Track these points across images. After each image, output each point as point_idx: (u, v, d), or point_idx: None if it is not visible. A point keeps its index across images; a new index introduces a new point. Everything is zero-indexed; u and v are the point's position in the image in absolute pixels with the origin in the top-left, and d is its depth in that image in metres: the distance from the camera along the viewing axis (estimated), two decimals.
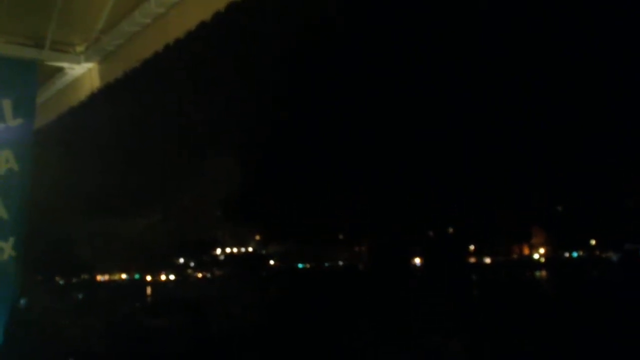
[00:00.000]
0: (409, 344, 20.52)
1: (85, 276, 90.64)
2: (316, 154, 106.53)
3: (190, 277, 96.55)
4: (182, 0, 4.18)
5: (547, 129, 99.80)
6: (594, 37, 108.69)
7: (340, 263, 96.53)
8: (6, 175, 4.47)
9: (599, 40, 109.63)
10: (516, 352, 19.99)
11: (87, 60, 5.12)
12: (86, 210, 77.82)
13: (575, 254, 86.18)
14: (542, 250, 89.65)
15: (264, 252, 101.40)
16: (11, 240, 4.46)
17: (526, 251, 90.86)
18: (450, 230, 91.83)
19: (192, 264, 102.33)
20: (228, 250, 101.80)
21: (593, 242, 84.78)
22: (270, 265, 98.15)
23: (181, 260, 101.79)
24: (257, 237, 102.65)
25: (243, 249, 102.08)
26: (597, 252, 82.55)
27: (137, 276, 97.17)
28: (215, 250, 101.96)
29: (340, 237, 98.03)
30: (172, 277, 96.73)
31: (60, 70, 5.28)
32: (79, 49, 5.11)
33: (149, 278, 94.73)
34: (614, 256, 76.49)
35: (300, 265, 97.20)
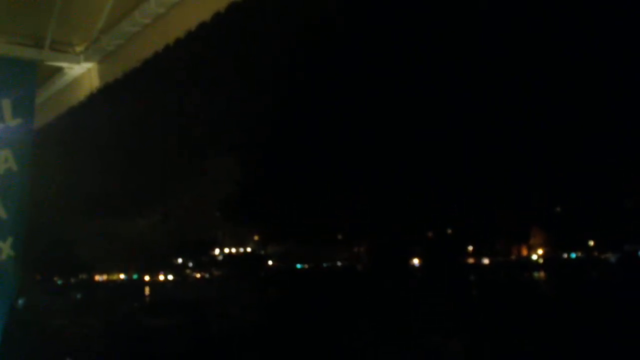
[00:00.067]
0: (409, 344, 20.53)
1: (83, 276, 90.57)
2: (316, 154, 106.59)
3: (188, 278, 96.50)
4: (182, 1, 4.18)
5: (546, 129, 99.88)
6: (594, 37, 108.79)
7: (339, 263, 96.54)
8: (5, 175, 4.47)
9: (599, 40, 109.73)
10: (516, 352, 20.01)
11: (87, 60, 5.12)
12: (85, 210, 77.81)
13: (573, 255, 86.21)
14: (540, 251, 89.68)
15: (262, 252, 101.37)
16: (10, 240, 4.45)
17: (525, 252, 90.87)
18: (449, 231, 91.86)
19: (190, 264, 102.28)
20: (227, 250, 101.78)
21: (592, 243, 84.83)
22: (269, 265, 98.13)
23: (180, 260, 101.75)
24: (256, 238, 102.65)
25: (242, 249, 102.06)
26: (596, 253, 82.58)
27: (135, 276, 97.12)
28: (213, 250, 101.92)
29: (340, 237, 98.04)
30: (170, 277, 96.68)
31: (59, 70, 5.28)
32: (79, 49, 5.11)
33: (147, 278, 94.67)
34: (612, 257, 76.51)
35: (299, 266, 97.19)
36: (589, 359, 19.26)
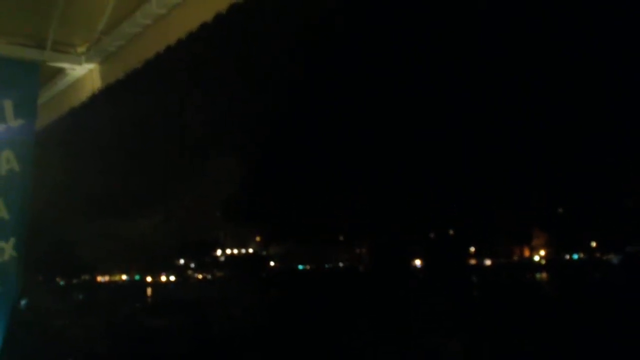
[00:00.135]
0: (409, 344, 20.52)
1: (85, 277, 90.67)
2: (317, 154, 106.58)
3: (190, 279, 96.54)
4: (184, 1, 4.19)
5: (547, 130, 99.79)
6: (594, 37, 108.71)
7: (341, 264, 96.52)
8: (7, 176, 4.48)
9: (599, 40, 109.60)
10: (516, 352, 19.99)
11: (88, 61, 5.14)
12: (87, 211, 77.87)
13: (575, 256, 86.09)
14: (542, 252, 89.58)
15: (264, 253, 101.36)
16: (12, 240, 4.46)
17: (527, 253, 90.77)
18: (451, 231, 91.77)
19: (192, 265, 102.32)
20: (228, 251, 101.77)
21: (594, 244, 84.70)
22: (270, 266, 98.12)
23: (181, 261, 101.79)
24: (258, 239, 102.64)
25: (243, 250, 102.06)
26: (598, 254, 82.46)
27: (137, 277, 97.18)
28: (215, 251, 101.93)
29: (341, 238, 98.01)
30: (172, 278, 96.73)
31: (61, 71, 5.30)
32: (80, 49, 5.12)
33: (149, 279, 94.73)
34: (614, 258, 76.38)
35: (300, 267, 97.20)
36: None
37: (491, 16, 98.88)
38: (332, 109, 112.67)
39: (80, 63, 5.16)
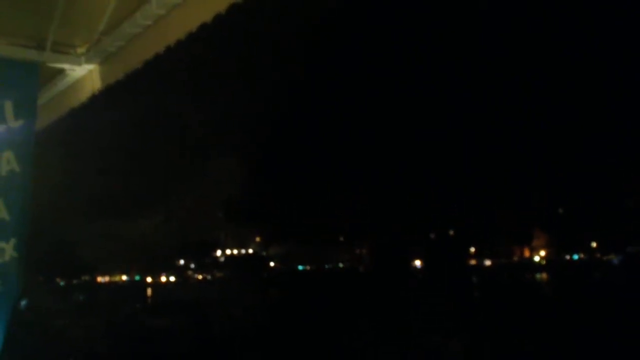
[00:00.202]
0: (410, 344, 20.53)
1: (86, 277, 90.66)
2: (317, 155, 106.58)
3: (190, 279, 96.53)
4: (183, 2, 4.20)
5: (548, 130, 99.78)
6: (594, 37, 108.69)
7: (341, 265, 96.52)
8: (7, 177, 4.48)
9: (599, 40, 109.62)
10: (517, 352, 19.99)
11: (88, 61, 5.14)
12: (87, 212, 77.88)
13: (576, 257, 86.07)
14: (543, 253, 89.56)
15: (264, 253, 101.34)
16: (12, 241, 4.46)
17: (527, 253, 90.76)
18: (451, 232, 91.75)
19: (192, 266, 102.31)
20: (228, 252, 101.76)
21: (594, 244, 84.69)
22: (270, 267, 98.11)
23: (182, 261, 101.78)
24: (258, 239, 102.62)
25: (243, 251, 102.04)
26: (599, 255, 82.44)
27: (137, 278, 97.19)
28: (215, 251, 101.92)
29: (341, 239, 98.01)
30: (172, 278, 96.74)
31: (61, 71, 5.30)
32: (80, 50, 5.13)
33: (149, 280, 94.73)
34: (615, 258, 76.36)
35: (300, 267, 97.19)
36: None
37: (492, 16, 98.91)
38: (333, 109, 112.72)
39: (80, 64, 5.16)
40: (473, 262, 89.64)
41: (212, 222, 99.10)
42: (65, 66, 5.19)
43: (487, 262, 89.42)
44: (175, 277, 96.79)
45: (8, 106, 4.50)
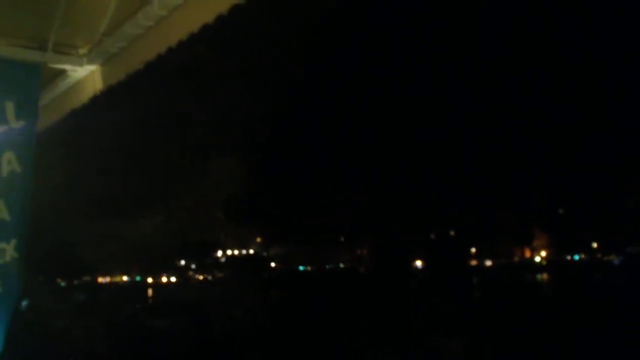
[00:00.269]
0: (410, 344, 20.52)
1: (86, 278, 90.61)
2: (318, 155, 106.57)
3: (191, 279, 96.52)
4: (185, 3, 4.19)
5: (548, 130, 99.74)
6: (594, 37, 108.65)
7: (342, 265, 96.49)
8: (8, 177, 4.48)
9: (599, 40, 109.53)
10: (517, 352, 19.99)
11: (90, 62, 5.14)
12: (88, 212, 77.86)
13: (576, 257, 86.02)
14: (543, 253, 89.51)
15: (265, 254, 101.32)
16: (13, 242, 4.46)
17: (528, 254, 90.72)
18: (452, 232, 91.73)
19: (193, 266, 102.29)
20: (229, 252, 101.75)
21: (595, 245, 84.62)
22: (271, 267, 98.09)
23: (182, 262, 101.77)
24: (259, 239, 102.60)
25: (244, 251, 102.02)
26: (599, 255, 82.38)
27: (138, 278, 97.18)
28: (216, 252, 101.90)
29: (342, 239, 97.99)
30: (173, 279, 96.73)
31: (62, 72, 5.31)
32: (82, 51, 5.13)
33: (150, 280, 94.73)
34: (615, 259, 76.30)
35: (301, 268, 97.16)
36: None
37: (492, 16, 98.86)
38: (334, 109, 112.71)
39: (81, 64, 5.16)
40: (474, 262, 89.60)
41: (213, 223, 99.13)
42: (67, 67, 5.20)
43: (488, 263, 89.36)
44: (176, 278, 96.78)
45: (9, 107, 4.49)
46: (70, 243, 73.65)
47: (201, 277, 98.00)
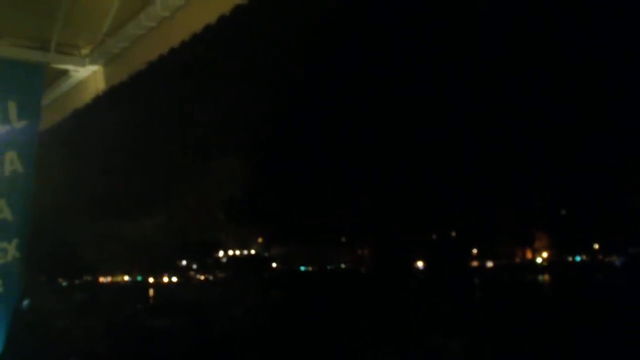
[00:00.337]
0: (410, 344, 20.52)
1: (87, 278, 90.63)
2: (319, 155, 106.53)
3: (192, 279, 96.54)
4: (188, 4, 4.20)
5: (549, 131, 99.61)
6: (594, 37, 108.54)
7: (343, 266, 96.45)
8: (11, 177, 4.49)
9: (599, 40, 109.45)
10: (517, 352, 19.98)
11: (92, 63, 5.16)
12: (89, 212, 77.85)
13: (578, 258, 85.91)
14: (545, 254, 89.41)
15: (266, 254, 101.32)
16: (15, 241, 4.47)
17: (529, 255, 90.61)
18: (453, 233, 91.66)
19: (194, 266, 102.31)
20: (230, 252, 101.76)
21: (596, 246, 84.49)
22: (272, 267, 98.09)
23: (184, 262, 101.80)
24: (260, 240, 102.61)
25: (245, 251, 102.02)
26: (601, 256, 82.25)
27: (139, 278, 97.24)
28: (217, 252, 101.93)
29: (343, 239, 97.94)
30: (174, 279, 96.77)
31: (65, 72, 5.32)
32: (84, 51, 5.14)
33: (151, 280, 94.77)
34: (617, 260, 76.19)
35: (302, 268, 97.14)
36: None
37: (492, 16, 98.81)
38: (334, 109, 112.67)
39: (84, 65, 5.17)
40: (475, 263, 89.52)
41: (214, 223, 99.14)
42: (70, 67, 5.21)
43: (489, 264, 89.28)
44: (178, 278, 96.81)
45: (12, 107, 4.50)
46: (71, 243, 73.64)
47: (202, 277, 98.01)
